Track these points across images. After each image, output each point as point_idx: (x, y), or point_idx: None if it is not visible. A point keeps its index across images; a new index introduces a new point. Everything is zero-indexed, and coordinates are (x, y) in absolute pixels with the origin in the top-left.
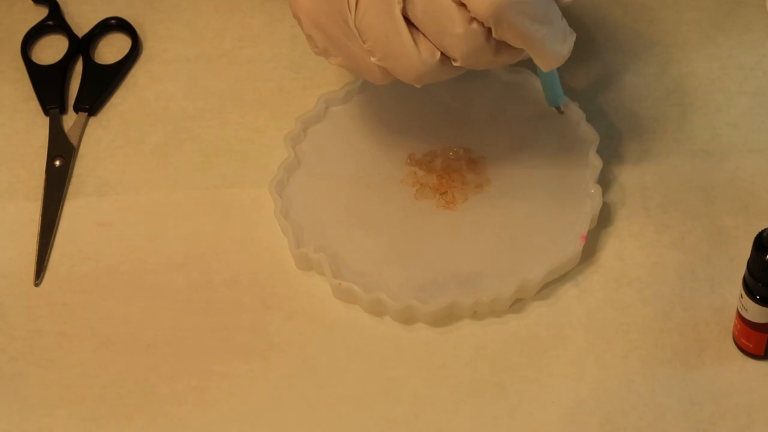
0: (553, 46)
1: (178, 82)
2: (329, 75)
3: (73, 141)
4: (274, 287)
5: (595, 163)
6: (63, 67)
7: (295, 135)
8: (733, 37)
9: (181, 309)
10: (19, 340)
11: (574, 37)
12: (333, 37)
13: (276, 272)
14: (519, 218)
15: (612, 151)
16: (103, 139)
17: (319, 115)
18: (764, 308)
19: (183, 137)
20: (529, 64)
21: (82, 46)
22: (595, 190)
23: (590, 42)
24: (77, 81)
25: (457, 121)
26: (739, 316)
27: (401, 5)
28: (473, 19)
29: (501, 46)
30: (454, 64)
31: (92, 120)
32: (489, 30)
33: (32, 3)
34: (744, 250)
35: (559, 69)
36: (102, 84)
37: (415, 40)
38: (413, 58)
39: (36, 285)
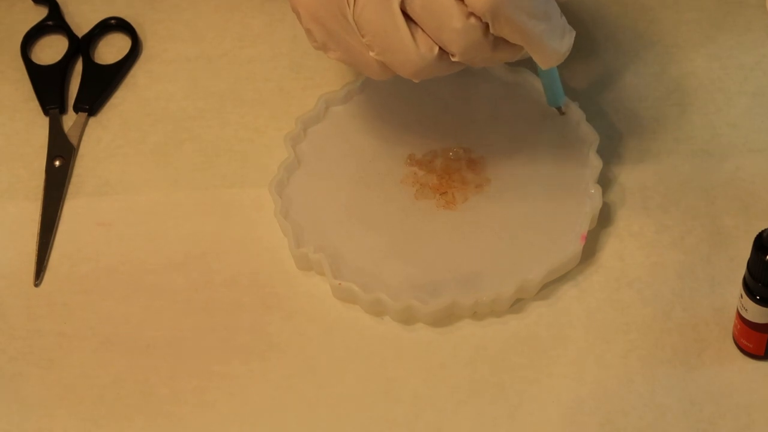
0: (552, 42)
1: (178, 82)
2: (329, 75)
3: (73, 141)
4: (274, 287)
5: (595, 163)
6: (63, 67)
7: (295, 135)
8: (733, 37)
9: (181, 309)
10: (19, 340)
11: (573, 34)
12: (332, 31)
13: (276, 272)
14: (519, 218)
15: (612, 151)
16: (103, 139)
17: (319, 115)
18: (764, 308)
19: (183, 137)
20: (529, 64)
21: (82, 46)
22: (595, 190)
23: (590, 42)
24: (77, 81)
25: (457, 121)
26: (739, 316)
27: (400, 0)
28: (471, 14)
29: (499, 42)
30: (452, 59)
31: (92, 120)
32: (487, 25)
33: (32, 3)
34: (744, 250)
35: (559, 69)
36: (102, 84)
37: (413, 35)
38: (411, 53)
39: (36, 285)
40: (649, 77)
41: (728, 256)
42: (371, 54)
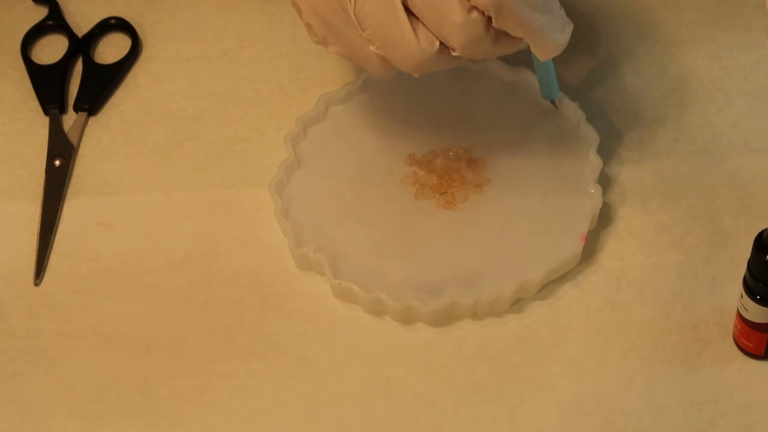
0: (552, 35)
1: (178, 82)
2: (329, 75)
3: (73, 141)
4: (274, 287)
5: (595, 163)
6: (63, 67)
7: (295, 135)
8: (733, 37)
9: (181, 309)
10: (19, 340)
11: (571, 26)
12: (332, 26)
13: (276, 272)
14: (519, 218)
15: (612, 151)
16: (103, 139)
17: (319, 115)
18: (764, 308)
19: (183, 137)
20: (527, 60)
21: (82, 46)
22: (595, 190)
23: (591, 42)
24: (77, 81)
25: (457, 121)
26: (740, 316)
27: None
28: (473, 8)
29: (500, 35)
30: (453, 53)
31: (92, 120)
32: (488, 19)
33: (32, 3)
34: (744, 250)
35: (559, 69)
36: (102, 84)
37: (414, 29)
38: (412, 47)
39: (36, 285)
40: (649, 77)
41: (728, 256)
42: (371, 48)
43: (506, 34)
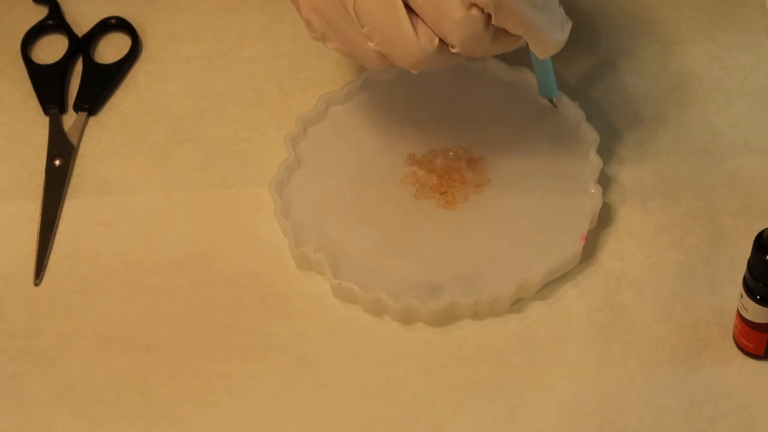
0: (551, 33)
1: (178, 82)
2: (329, 75)
3: (73, 141)
4: (274, 287)
5: (595, 163)
6: (63, 67)
7: (295, 135)
8: (733, 37)
9: (181, 309)
10: (19, 340)
11: (570, 25)
12: (331, 22)
13: (276, 272)
14: (519, 218)
15: (612, 151)
16: (103, 138)
17: (319, 114)
18: (764, 308)
19: (183, 137)
20: (528, 63)
21: (82, 46)
22: (595, 190)
23: (590, 41)
24: (77, 81)
25: (457, 121)
26: (740, 316)
27: None
28: (473, 5)
29: (499, 33)
30: (452, 50)
31: (92, 120)
32: (488, 16)
33: (32, 2)
34: (744, 250)
35: (559, 68)
36: (102, 84)
37: (413, 26)
38: (411, 44)
39: (36, 285)
40: (649, 77)
41: (728, 256)
42: (371, 45)
43: (505, 32)
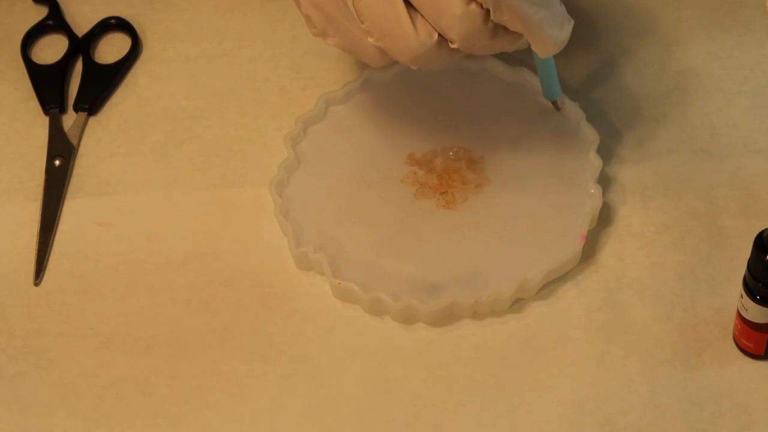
0: (551, 30)
1: (178, 82)
2: (329, 75)
3: (73, 141)
4: (274, 287)
5: (595, 163)
6: (63, 67)
7: (295, 135)
8: (733, 37)
9: (181, 309)
10: (19, 340)
11: (571, 23)
12: (331, 17)
13: (276, 272)
14: (519, 218)
15: (612, 151)
16: (103, 138)
17: (319, 114)
18: (764, 308)
19: (183, 137)
20: (528, 63)
21: (82, 46)
22: (595, 190)
23: (590, 41)
24: (77, 81)
25: (457, 121)
26: (739, 316)
27: None
28: (472, 0)
29: (498, 29)
30: (452, 46)
31: (92, 120)
32: (487, 12)
33: (32, 2)
34: (744, 250)
35: (559, 68)
36: (102, 84)
37: (413, 21)
38: (411, 39)
39: (36, 285)
40: (649, 77)
41: (728, 256)
42: (370, 40)
43: (505, 29)
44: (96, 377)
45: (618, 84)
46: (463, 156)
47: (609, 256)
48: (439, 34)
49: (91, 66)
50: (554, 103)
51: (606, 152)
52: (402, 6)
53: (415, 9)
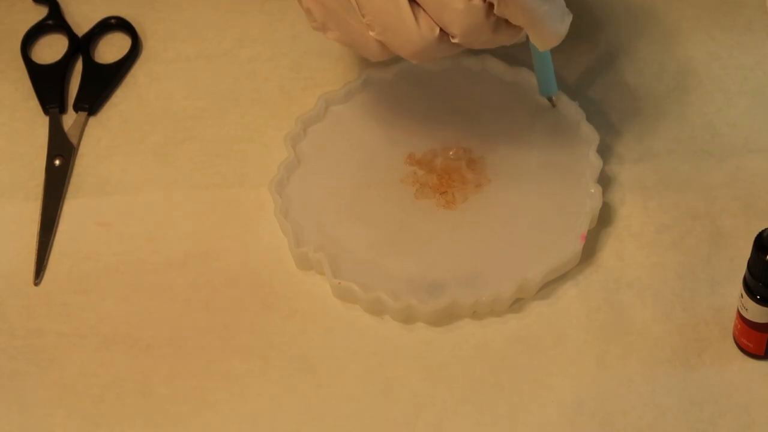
0: (552, 24)
1: (178, 82)
2: (329, 74)
3: (73, 140)
4: (274, 287)
5: (595, 163)
6: (63, 67)
7: (295, 134)
8: (733, 37)
9: (181, 309)
10: (18, 340)
11: (571, 17)
12: (331, 11)
13: (276, 272)
14: (519, 218)
15: (612, 151)
16: (103, 138)
17: (319, 114)
18: (764, 308)
19: (183, 137)
20: (528, 63)
21: (82, 46)
22: (595, 190)
23: (590, 41)
24: (77, 80)
25: (456, 121)
26: (740, 316)
27: None
28: None
29: (500, 23)
30: (453, 40)
31: (92, 119)
32: (489, 6)
33: (32, 2)
34: (744, 250)
35: (559, 68)
36: (102, 83)
37: (415, 15)
38: (412, 33)
39: (36, 284)
40: (649, 76)
41: (728, 256)
42: (371, 34)
43: (506, 23)
44: (96, 377)
45: (618, 83)
46: (463, 156)
47: (609, 255)
48: (441, 29)
49: (91, 66)
50: (550, 99)
51: (606, 152)
52: (404, 0)
53: (417, 3)
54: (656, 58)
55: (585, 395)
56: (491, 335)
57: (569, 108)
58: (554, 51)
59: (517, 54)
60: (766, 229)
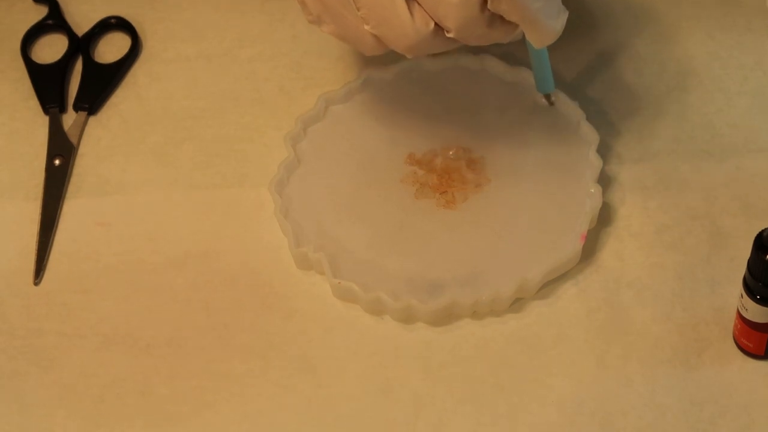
0: (547, 20)
1: (178, 82)
2: (329, 74)
3: (73, 140)
4: (274, 287)
5: (595, 162)
6: (63, 67)
7: (295, 134)
8: (733, 37)
9: (181, 309)
10: (18, 340)
11: (566, 14)
12: (327, 4)
13: (276, 272)
14: (519, 218)
15: (612, 151)
16: (103, 138)
17: (319, 114)
18: (764, 308)
19: (183, 137)
20: (528, 63)
21: (81, 46)
22: (595, 189)
23: (590, 40)
24: (77, 80)
25: (456, 121)
26: (740, 316)
27: None
28: None
29: (495, 19)
30: (448, 35)
31: (92, 119)
32: (484, 1)
33: (32, 2)
34: (744, 250)
35: (558, 67)
36: (102, 83)
37: (410, 9)
38: (407, 27)
39: (35, 284)
40: (649, 76)
41: (728, 256)
42: (366, 28)
43: (501, 19)
44: (96, 377)
45: (618, 83)
46: (463, 156)
47: (609, 255)
48: (436, 23)
49: (91, 65)
50: (547, 96)
51: (606, 152)
52: None
53: None
54: (656, 57)
55: (585, 395)
56: (491, 335)
57: (569, 108)
58: (554, 50)
59: (517, 53)
60: (766, 229)
